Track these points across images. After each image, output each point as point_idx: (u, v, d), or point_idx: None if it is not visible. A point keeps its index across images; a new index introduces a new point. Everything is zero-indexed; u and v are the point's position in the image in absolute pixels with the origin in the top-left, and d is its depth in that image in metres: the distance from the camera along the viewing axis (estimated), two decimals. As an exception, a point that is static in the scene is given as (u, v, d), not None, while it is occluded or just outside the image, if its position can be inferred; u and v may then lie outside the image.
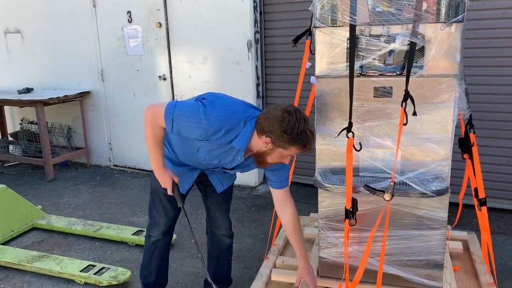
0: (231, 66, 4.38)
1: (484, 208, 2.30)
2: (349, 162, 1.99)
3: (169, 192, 2.12)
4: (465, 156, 2.42)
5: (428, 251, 2.23)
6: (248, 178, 4.61)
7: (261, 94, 4.48)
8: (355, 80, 2.05)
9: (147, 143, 2.04)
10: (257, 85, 4.41)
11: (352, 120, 2.05)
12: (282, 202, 2.24)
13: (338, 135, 2.04)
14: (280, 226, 3.09)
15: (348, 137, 1.98)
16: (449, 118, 2.03)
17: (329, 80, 2.15)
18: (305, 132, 1.85)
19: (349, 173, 1.99)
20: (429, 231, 2.20)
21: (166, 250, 2.53)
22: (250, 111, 1.98)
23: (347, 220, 2.03)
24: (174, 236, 3.40)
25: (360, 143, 2.03)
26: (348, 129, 1.98)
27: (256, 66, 4.36)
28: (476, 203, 2.37)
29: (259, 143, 1.92)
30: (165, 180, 2.11)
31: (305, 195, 4.32)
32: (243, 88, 4.37)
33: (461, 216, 3.66)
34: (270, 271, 2.58)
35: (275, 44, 4.37)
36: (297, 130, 1.83)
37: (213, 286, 2.26)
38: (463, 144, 2.40)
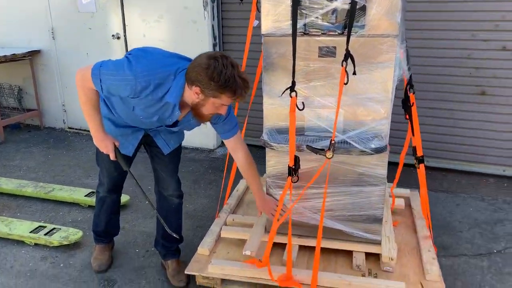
0: (187, 25, 4.28)
1: (422, 166, 2.41)
2: (292, 122, 2.02)
3: (112, 157, 2.11)
4: (407, 116, 2.51)
5: (368, 206, 2.34)
6: (206, 141, 4.62)
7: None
8: (300, 39, 2.06)
9: (82, 108, 1.99)
10: (214, 45, 4.35)
11: (296, 80, 2.08)
12: (234, 148, 2.29)
13: (282, 94, 2.06)
14: (233, 187, 3.15)
15: (291, 97, 2.00)
16: (389, 78, 2.09)
17: (275, 39, 2.15)
18: (234, 78, 1.79)
19: (292, 132, 2.03)
20: (369, 188, 2.29)
21: (114, 206, 2.57)
22: (182, 63, 1.92)
23: (289, 178, 2.09)
24: (127, 197, 3.41)
25: (303, 102, 2.06)
26: (291, 88, 2.00)
27: (213, 26, 4.28)
28: (415, 161, 2.48)
29: (191, 94, 1.88)
30: (106, 146, 2.08)
31: (260, 157, 4.36)
32: (200, 48, 4.29)
33: (407, 175, 3.82)
34: (221, 229, 2.65)
35: (232, 3, 4.29)
36: (225, 77, 1.77)
37: (171, 233, 2.30)
38: (405, 105, 2.48)
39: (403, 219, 2.83)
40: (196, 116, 1.99)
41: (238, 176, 3.65)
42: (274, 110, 2.28)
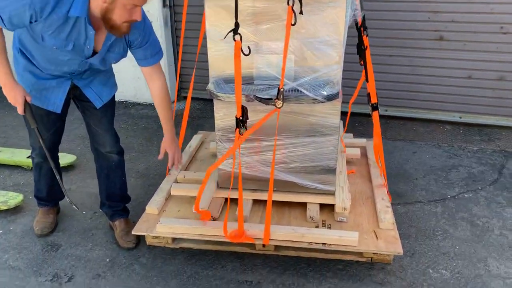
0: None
1: (376, 113, 2.33)
2: (237, 69, 1.86)
3: (20, 111, 1.94)
4: (362, 62, 2.40)
5: (321, 157, 2.25)
6: (159, 95, 4.39)
7: (167, 2, 4.13)
8: (243, -23, 1.87)
9: None
10: (162, -7, 4.05)
11: (242, 22, 1.91)
12: (151, 76, 2.19)
13: (225, 37, 1.89)
14: (186, 143, 3.00)
15: (235, 40, 1.84)
16: (341, 19, 1.95)
17: (216, -23, 1.95)
18: None
19: (238, 81, 1.87)
20: (322, 137, 2.20)
21: (52, 171, 2.37)
22: None
23: (237, 130, 1.95)
24: (74, 157, 3.22)
25: (249, 47, 1.90)
26: (235, 31, 1.83)
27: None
28: (369, 108, 2.39)
29: (98, 1, 1.74)
30: (15, 97, 1.91)
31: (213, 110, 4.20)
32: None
33: (364, 124, 3.78)
34: (171, 186, 2.52)
35: None
36: None
37: (73, 206, 2.23)
38: (359, 49, 2.35)
39: (359, 168, 2.78)
40: (111, 29, 1.82)
41: (191, 132, 3.51)
42: (220, 57, 2.11)
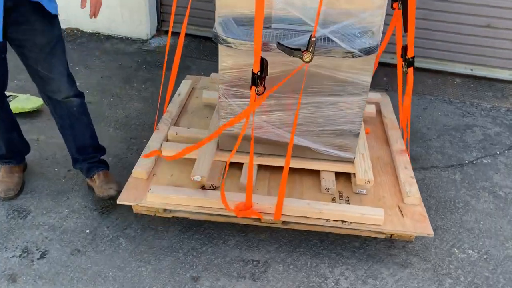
0: None
1: (411, 70, 1.98)
2: (259, 8, 1.44)
3: None
4: (395, 5, 2.00)
5: (344, 120, 1.92)
6: (138, 28, 3.84)
7: None
8: None
9: None
10: None
11: None
12: None
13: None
14: (174, 90, 2.57)
15: (258, -30, 1.40)
16: (391, -49, 1.52)
17: None
18: None
19: (259, 24, 1.46)
20: (349, 97, 1.85)
21: (7, 122, 1.97)
22: None
23: (253, 88, 1.57)
24: (40, 101, 2.74)
25: (274, -19, 1.46)
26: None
27: None
28: (400, 63, 2.03)
29: None
30: None
31: (207, 52, 3.73)
32: None
33: (378, 73, 3.43)
34: (161, 145, 2.15)
35: None
36: None
37: None
38: (396, -10, 1.95)
39: (373, 128, 2.47)
40: None
41: (181, 75, 3.07)
42: (231, -9, 1.66)
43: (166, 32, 4.00)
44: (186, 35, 4.01)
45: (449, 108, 3.09)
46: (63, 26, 3.94)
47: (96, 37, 3.84)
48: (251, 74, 1.56)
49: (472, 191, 2.33)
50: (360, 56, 1.64)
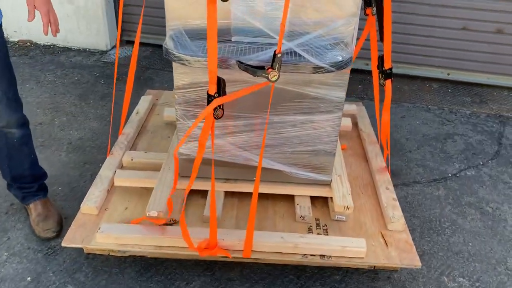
0: None
1: (388, 82, 1.80)
2: (211, 20, 1.23)
3: None
4: (369, 11, 1.81)
5: (318, 139, 1.72)
6: (96, 39, 3.58)
7: None
8: None
9: None
10: None
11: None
12: None
13: (194, -27, 1.23)
14: (132, 108, 2.33)
15: (209, -23, 1.19)
16: (363, -49, 1.34)
17: None
18: None
19: (212, 39, 1.24)
20: (322, 115, 1.65)
21: None
22: None
23: (210, 111, 1.35)
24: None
25: (229, -12, 1.25)
26: (210, -39, 1.18)
27: None
28: (376, 74, 1.85)
29: None
30: None
31: (169, 62, 3.49)
32: None
33: (352, 80, 3.26)
34: (114, 173, 1.90)
35: None
36: None
37: None
38: (369, -5, 1.77)
39: (350, 143, 2.29)
40: None
41: (138, 90, 2.85)
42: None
43: (128, 42, 3.75)
44: (148, 44, 3.80)
45: (428, 115, 2.94)
46: (14, 38, 3.65)
47: (51, 50, 3.55)
48: (206, 96, 1.35)
49: (458, 208, 2.16)
50: (331, 72, 1.44)
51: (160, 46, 3.77)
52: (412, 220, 2.07)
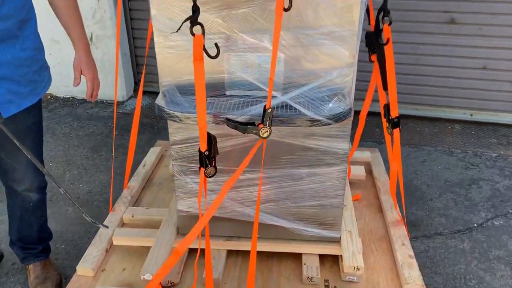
0: None
1: (396, 132, 1.70)
2: (198, 77, 1.18)
3: None
4: (373, 57, 1.74)
5: (323, 193, 1.61)
6: (112, 91, 3.64)
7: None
8: None
9: None
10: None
11: (203, 5, 1.23)
12: None
13: (178, 29, 1.19)
14: (137, 161, 2.30)
15: (193, 34, 1.15)
16: (355, 1, 1.28)
17: None
18: None
19: (200, 96, 1.19)
20: (325, 168, 1.56)
21: None
22: None
23: (202, 169, 1.28)
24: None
25: (216, 44, 1.21)
26: (193, 20, 1.14)
27: None
28: (387, 124, 1.76)
29: None
30: None
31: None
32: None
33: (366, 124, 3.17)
34: (113, 231, 1.84)
35: None
36: None
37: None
38: (371, 41, 1.70)
39: (364, 193, 2.16)
40: None
41: (151, 140, 2.83)
42: (173, 56, 1.42)
43: (145, 93, 3.80)
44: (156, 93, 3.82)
45: (450, 160, 2.79)
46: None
47: (70, 102, 3.63)
48: (198, 153, 1.28)
49: (485, 263, 1.98)
50: (329, 124, 1.36)
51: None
52: (434, 278, 1.90)
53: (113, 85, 3.65)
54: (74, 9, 1.57)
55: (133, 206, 2.03)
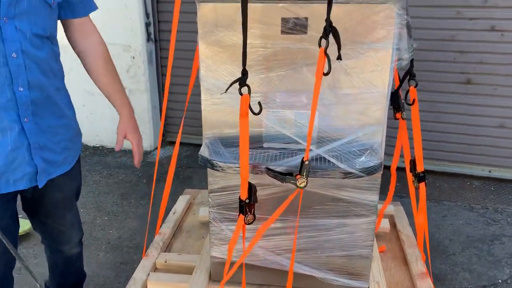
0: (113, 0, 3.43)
1: (422, 185, 1.78)
2: (244, 131, 1.31)
3: None
4: (398, 115, 1.87)
5: (353, 244, 1.68)
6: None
7: (152, 36, 3.61)
8: (255, 6, 1.35)
9: None
10: (147, 24, 3.53)
11: (249, 68, 1.37)
12: (86, 32, 1.52)
13: (227, 90, 1.34)
14: (168, 209, 2.39)
15: (241, 94, 1.29)
16: (385, 65, 1.42)
17: (215, 6, 1.42)
18: None
19: (244, 148, 1.32)
20: (355, 219, 1.63)
21: None
22: None
23: (241, 216, 1.38)
24: (28, 224, 2.58)
25: (259, 103, 1.35)
26: (242, 81, 1.29)
27: (145, 1, 3.46)
28: (410, 177, 1.85)
29: None
30: None
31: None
32: (129, 28, 3.48)
33: (385, 178, 3.24)
34: (147, 276, 1.91)
35: (168, -27, 3.49)
36: None
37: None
38: (396, 100, 1.83)
39: (389, 245, 2.21)
40: None
41: (177, 188, 2.93)
42: (217, 112, 1.56)
43: (170, 143, 3.97)
44: (189, 144, 3.99)
45: (471, 215, 2.83)
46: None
47: (99, 151, 3.80)
48: (238, 201, 1.38)
49: (513, 320, 1.98)
50: (361, 177, 1.46)
51: (196, 145, 3.91)
52: (462, 334, 1.90)
53: (141, 136, 3.83)
54: (109, 62, 1.61)
55: (164, 251, 2.11)
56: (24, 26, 1.25)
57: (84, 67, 1.60)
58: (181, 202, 2.55)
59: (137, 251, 2.43)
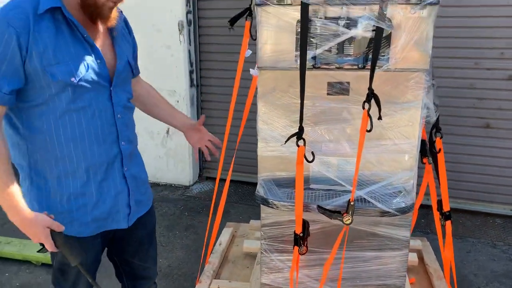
0: (160, 50, 3.83)
1: (448, 223, 2.02)
2: (299, 177, 1.59)
3: (50, 248, 1.39)
4: (425, 160, 2.13)
5: (388, 275, 1.91)
6: (181, 175, 4.13)
7: (195, 82, 3.99)
8: (306, 73, 1.65)
9: None
10: (191, 72, 3.91)
11: (296, 121, 1.67)
12: (138, 82, 1.85)
13: (286, 142, 1.63)
14: (216, 239, 2.67)
15: (298, 146, 1.58)
16: (415, 121, 1.70)
17: (274, 73, 1.73)
18: None
19: (300, 190, 1.60)
20: (390, 252, 1.88)
21: None
22: None
23: (296, 248, 1.64)
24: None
25: (312, 152, 1.64)
26: (299, 135, 1.58)
27: (189, 51, 3.85)
28: (437, 216, 2.09)
29: None
30: (36, 233, 1.36)
31: (245, 196, 3.92)
32: (174, 75, 3.86)
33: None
34: (203, 300, 2.16)
35: (211, 27, 3.88)
36: None
37: None
38: (423, 148, 2.10)
39: (417, 277, 2.42)
40: (96, 15, 1.38)
41: (221, 221, 3.20)
42: (272, 157, 1.84)
43: (207, 178, 4.27)
44: (223, 180, 4.27)
45: (494, 251, 3.01)
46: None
47: (142, 185, 4.12)
48: (293, 235, 1.65)
49: None
50: (396, 215, 1.72)
51: (235, 182, 4.21)
52: None
53: (182, 171, 4.15)
54: (168, 102, 1.92)
55: (215, 279, 2.36)
56: (123, 92, 1.58)
57: (141, 106, 1.85)
58: (225, 234, 2.82)
59: (187, 279, 2.68)
